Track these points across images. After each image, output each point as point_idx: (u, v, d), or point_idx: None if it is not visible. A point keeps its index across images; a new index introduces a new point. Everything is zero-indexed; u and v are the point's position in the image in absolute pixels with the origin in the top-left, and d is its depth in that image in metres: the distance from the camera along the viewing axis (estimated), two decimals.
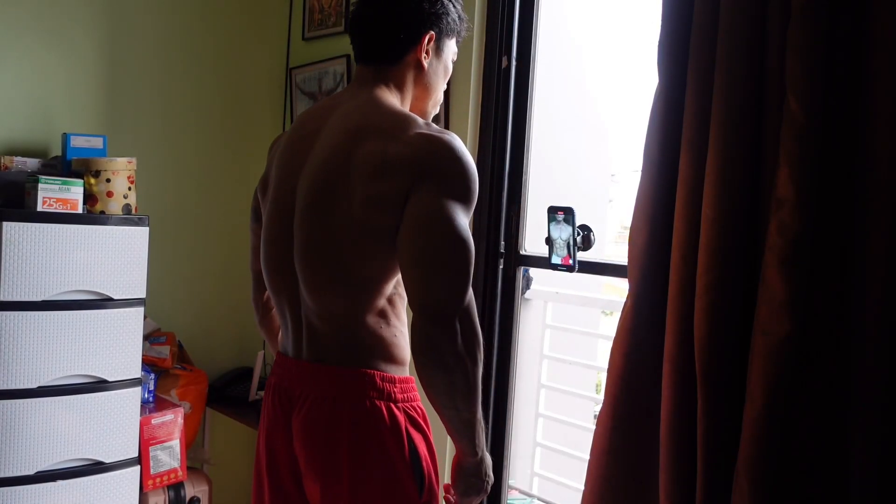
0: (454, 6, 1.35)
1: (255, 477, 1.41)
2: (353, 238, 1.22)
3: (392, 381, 1.27)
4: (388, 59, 1.31)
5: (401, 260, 1.21)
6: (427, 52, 1.32)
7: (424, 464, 1.27)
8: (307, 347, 1.30)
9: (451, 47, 1.38)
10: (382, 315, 1.28)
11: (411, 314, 1.21)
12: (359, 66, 1.35)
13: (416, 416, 1.28)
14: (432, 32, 1.31)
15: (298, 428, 1.28)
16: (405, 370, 1.32)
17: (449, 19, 1.33)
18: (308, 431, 1.27)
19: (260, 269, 1.44)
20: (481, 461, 1.29)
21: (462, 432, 1.25)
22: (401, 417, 1.25)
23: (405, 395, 1.28)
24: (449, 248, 1.17)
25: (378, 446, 1.24)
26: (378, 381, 1.25)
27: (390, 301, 1.29)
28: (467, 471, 1.30)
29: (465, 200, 1.20)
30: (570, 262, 1.81)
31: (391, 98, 1.31)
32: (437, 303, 1.17)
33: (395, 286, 1.29)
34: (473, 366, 1.19)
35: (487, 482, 1.32)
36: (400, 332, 1.31)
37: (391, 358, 1.29)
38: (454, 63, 1.42)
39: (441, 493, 1.33)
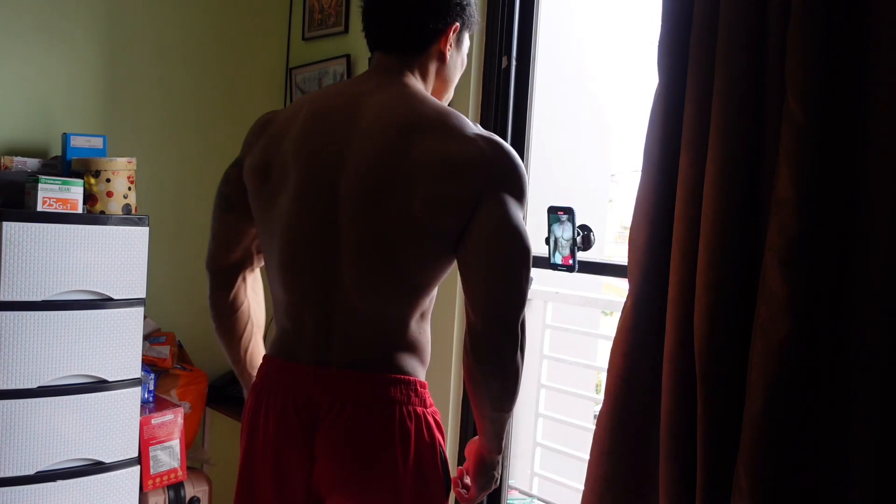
0: None
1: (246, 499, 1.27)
2: (412, 240, 1.17)
3: (424, 386, 1.24)
4: (414, 49, 1.26)
5: (468, 267, 1.18)
6: (451, 44, 1.28)
7: (448, 468, 1.27)
8: (339, 352, 1.20)
9: (467, 41, 1.34)
10: (423, 319, 1.24)
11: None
12: (378, 54, 1.28)
13: (439, 420, 1.26)
14: (457, 24, 1.27)
15: (332, 441, 1.18)
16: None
17: (471, 10, 1.30)
18: (348, 444, 1.18)
19: (226, 266, 1.39)
20: (502, 457, 1.34)
21: (498, 432, 1.27)
22: (433, 423, 1.24)
23: (431, 401, 1.26)
24: (519, 258, 1.17)
25: (427, 454, 1.21)
26: (418, 387, 1.22)
27: (429, 304, 1.26)
28: (490, 465, 1.33)
29: (524, 207, 1.21)
30: (571, 262, 1.81)
31: (424, 90, 1.26)
32: (506, 312, 1.16)
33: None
34: (522, 370, 1.21)
35: (499, 477, 1.37)
36: (428, 335, 1.28)
37: (424, 362, 1.26)
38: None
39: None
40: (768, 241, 1.23)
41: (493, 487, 1.36)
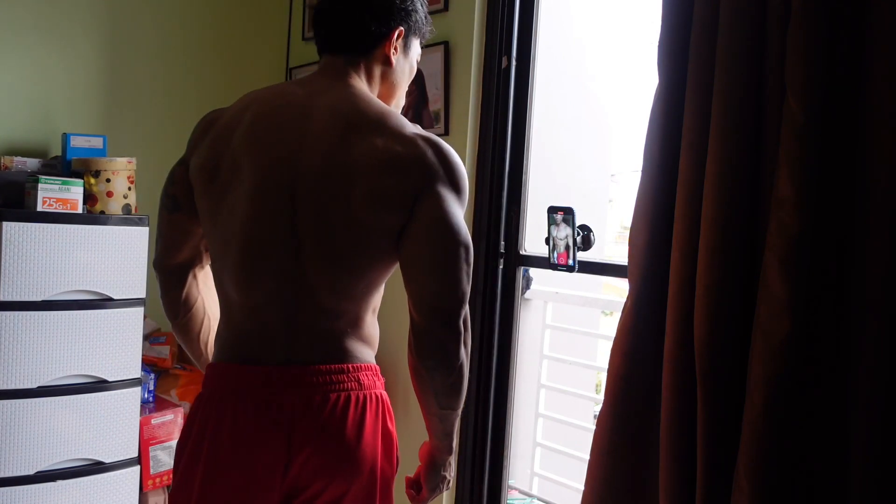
0: (421, 6, 1.34)
1: None
2: (358, 239, 1.20)
3: (379, 371, 1.30)
4: (358, 51, 1.29)
5: (409, 264, 1.20)
6: (396, 48, 1.31)
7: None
8: (305, 350, 1.22)
9: (416, 48, 1.36)
10: (374, 313, 1.29)
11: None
12: (326, 57, 1.32)
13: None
14: (401, 28, 1.30)
15: (315, 437, 1.19)
16: None
17: (417, 17, 1.33)
18: (333, 436, 1.19)
19: (175, 266, 1.41)
20: (452, 457, 1.35)
21: (447, 430, 1.29)
22: (389, 403, 1.30)
23: None
24: (460, 254, 1.19)
25: (392, 430, 1.28)
26: (378, 373, 1.28)
27: (378, 300, 1.31)
28: (440, 466, 1.34)
29: (464, 205, 1.23)
30: (570, 262, 1.81)
31: (368, 91, 1.29)
32: (450, 307, 1.19)
33: None
34: (468, 365, 1.24)
35: (450, 478, 1.37)
36: (377, 328, 1.32)
37: (375, 352, 1.31)
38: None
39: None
40: (768, 241, 1.23)
41: (445, 489, 1.37)
